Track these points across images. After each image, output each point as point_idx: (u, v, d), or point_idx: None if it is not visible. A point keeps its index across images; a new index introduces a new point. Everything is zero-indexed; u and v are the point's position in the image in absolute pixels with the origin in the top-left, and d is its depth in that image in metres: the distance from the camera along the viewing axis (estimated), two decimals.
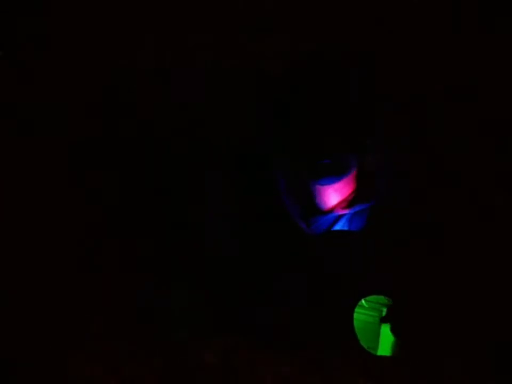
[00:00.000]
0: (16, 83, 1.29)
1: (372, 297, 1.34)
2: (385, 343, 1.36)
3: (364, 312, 1.44)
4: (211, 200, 1.36)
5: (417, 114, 1.30)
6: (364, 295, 1.28)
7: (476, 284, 1.19)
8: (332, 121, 1.25)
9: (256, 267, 1.30)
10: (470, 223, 1.26)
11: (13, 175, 1.31)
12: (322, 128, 1.25)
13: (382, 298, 1.36)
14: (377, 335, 1.40)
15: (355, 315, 1.25)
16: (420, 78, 1.29)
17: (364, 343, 1.23)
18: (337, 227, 1.37)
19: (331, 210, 1.36)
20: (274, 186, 1.35)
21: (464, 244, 1.24)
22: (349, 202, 1.35)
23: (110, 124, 1.34)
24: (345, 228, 1.37)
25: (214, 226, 1.34)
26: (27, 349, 1.18)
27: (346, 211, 1.35)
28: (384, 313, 1.38)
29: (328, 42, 1.27)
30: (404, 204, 1.31)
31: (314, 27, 1.28)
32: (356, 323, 1.24)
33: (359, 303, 1.28)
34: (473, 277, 1.20)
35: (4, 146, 1.31)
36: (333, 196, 1.34)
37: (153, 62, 1.31)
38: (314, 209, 1.36)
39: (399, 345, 1.26)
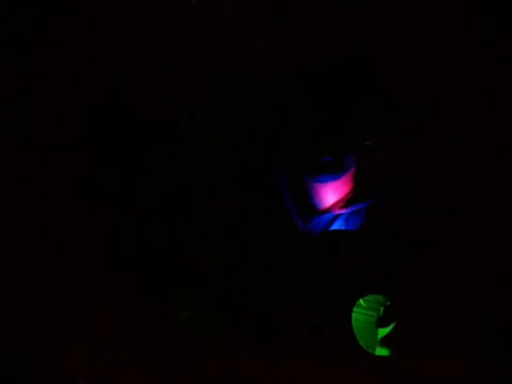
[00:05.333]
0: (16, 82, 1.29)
1: (370, 297, 1.34)
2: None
3: (362, 311, 1.43)
4: (211, 200, 1.36)
5: (418, 114, 1.31)
6: (362, 295, 1.28)
7: (477, 284, 1.20)
8: (332, 120, 1.25)
9: (255, 267, 1.31)
10: (469, 222, 1.27)
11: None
12: (322, 128, 1.25)
13: (380, 298, 1.36)
14: (375, 334, 1.41)
15: (353, 315, 1.25)
16: (420, 78, 1.30)
17: (362, 343, 1.24)
18: (334, 227, 1.37)
19: (328, 209, 1.36)
20: (275, 186, 1.35)
21: (463, 242, 1.25)
22: (346, 202, 1.35)
23: (109, 124, 1.34)
24: (342, 228, 1.37)
25: (215, 226, 1.34)
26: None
27: (343, 211, 1.35)
28: (381, 313, 1.38)
29: (329, 42, 1.28)
30: (402, 203, 1.32)
31: (315, 27, 1.28)
32: (355, 323, 1.25)
33: (357, 303, 1.29)
34: (475, 276, 1.21)
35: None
36: (330, 195, 1.34)
37: (153, 62, 1.31)
38: (311, 208, 1.36)
39: (396, 344, 1.26)
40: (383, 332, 1.33)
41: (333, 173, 1.27)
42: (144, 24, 1.30)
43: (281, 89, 1.29)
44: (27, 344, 1.19)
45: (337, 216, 1.36)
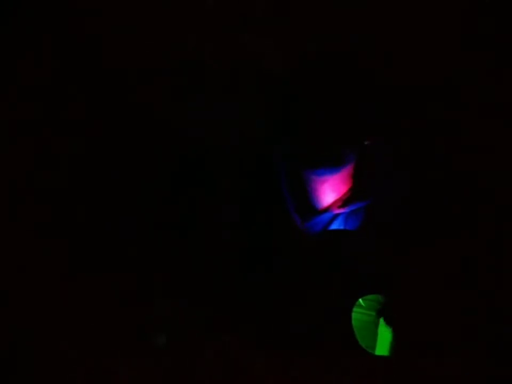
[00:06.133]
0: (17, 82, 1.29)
1: (370, 297, 1.35)
2: (383, 342, 1.37)
3: (362, 311, 1.44)
4: (211, 200, 1.36)
5: (418, 114, 1.31)
6: (362, 295, 1.28)
7: (477, 284, 1.20)
8: (331, 120, 1.25)
9: (255, 267, 1.31)
10: (470, 222, 1.27)
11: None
12: (322, 124, 1.25)
13: (380, 298, 1.36)
14: (375, 334, 1.41)
15: (353, 315, 1.25)
16: (421, 78, 1.30)
17: (362, 343, 1.24)
18: (333, 226, 1.37)
19: (327, 209, 1.36)
20: (275, 185, 1.35)
21: (463, 242, 1.25)
22: (344, 201, 1.35)
23: (109, 124, 1.34)
24: (341, 227, 1.37)
25: (215, 226, 1.34)
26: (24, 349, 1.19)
27: (342, 210, 1.35)
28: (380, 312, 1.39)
29: (329, 42, 1.28)
30: (402, 203, 1.32)
31: (315, 27, 1.28)
32: (355, 323, 1.25)
33: (357, 303, 1.29)
34: (475, 276, 1.21)
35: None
36: (329, 194, 1.34)
37: (153, 62, 1.31)
38: (310, 207, 1.36)
39: (396, 344, 1.26)
40: (383, 332, 1.34)
41: (331, 166, 1.27)
42: (144, 24, 1.30)
43: (281, 89, 1.29)
44: (27, 345, 1.19)
45: (336, 216, 1.36)
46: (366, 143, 1.30)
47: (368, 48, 1.28)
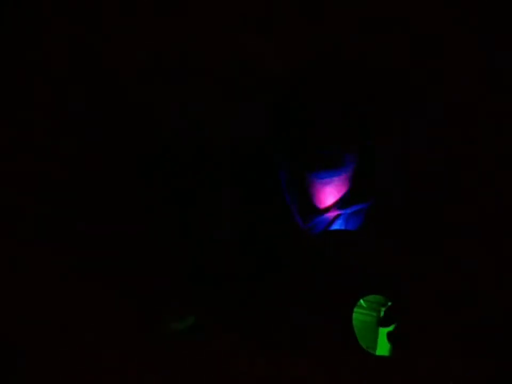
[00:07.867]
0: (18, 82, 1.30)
1: (370, 297, 1.35)
2: (384, 343, 1.37)
3: (362, 311, 1.44)
4: (212, 201, 1.36)
5: (418, 114, 1.31)
6: (362, 295, 1.28)
7: (477, 283, 1.20)
8: (332, 121, 1.25)
9: (256, 267, 1.31)
10: (470, 222, 1.27)
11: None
12: (322, 125, 1.25)
13: (380, 298, 1.36)
14: (376, 335, 1.41)
15: (354, 315, 1.25)
16: (421, 78, 1.30)
17: (363, 343, 1.24)
18: (335, 226, 1.37)
19: (328, 209, 1.36)
20: (276, 185, 1.35)
21: (463, 242, 1.25)
22: (346, 202, 1.35)
23: (108, 124, 1.34)
24: (342, 228, 1.37)
25: (214, 227, 1.35)
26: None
27: (343, 211, 1.35)
28: (382, 314, 1.38)
29: (329, 42, 1.28)
30: (402, 203, 1.32)
31: (315, 27, 1.29)
32: (355, 323, 1.25)
33: (358, 303, 1.29)
34: (475, 276, 1.21)
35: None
36: (330, 194, 1.34)
37: (153, 62, 1.31)
38: (311, 208, 1.36)
39: (397, 345, 1.26)
40: (383, 332, 1.33)
41: (332, 169, 1.27)
42: (144, 24, 1.30)
43: (281, 89, 1.29)
44: (25, 346, 1.19)
45: (337, 216, 1.36)
46: (368, 143, 1.30)
47: (368, 48, 1.28)
